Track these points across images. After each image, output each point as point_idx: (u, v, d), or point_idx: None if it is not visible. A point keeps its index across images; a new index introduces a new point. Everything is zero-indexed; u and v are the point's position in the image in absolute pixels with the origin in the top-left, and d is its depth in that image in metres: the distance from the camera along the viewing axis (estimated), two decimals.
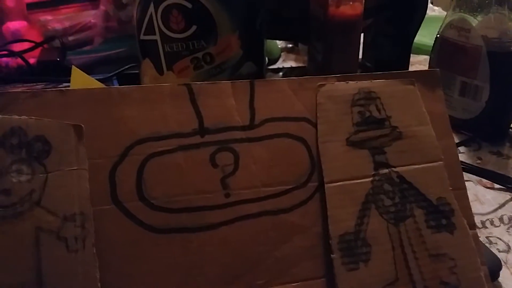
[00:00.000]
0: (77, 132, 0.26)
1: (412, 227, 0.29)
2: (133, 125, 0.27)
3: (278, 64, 0.70)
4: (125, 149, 0.27)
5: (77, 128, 0.26)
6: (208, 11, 0.41)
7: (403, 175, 0.30)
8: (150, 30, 0.42)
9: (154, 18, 0.41)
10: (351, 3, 0.46)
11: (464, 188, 0.31)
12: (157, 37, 0.42)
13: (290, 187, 0.29)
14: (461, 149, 0.46)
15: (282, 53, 0.74)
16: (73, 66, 0.39)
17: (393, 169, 0.30)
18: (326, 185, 0.29)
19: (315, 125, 0.30)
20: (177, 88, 0.29)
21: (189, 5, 0.41)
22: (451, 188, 0.30)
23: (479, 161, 0.44)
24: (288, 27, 0.54)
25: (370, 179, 0.29)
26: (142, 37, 0.43)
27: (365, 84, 0.32)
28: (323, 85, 0.31)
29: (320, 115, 0.30)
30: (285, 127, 0.30)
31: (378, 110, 0.31)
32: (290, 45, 0.77)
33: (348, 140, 0.30)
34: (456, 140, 0.47)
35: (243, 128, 0.29)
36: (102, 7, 0.55)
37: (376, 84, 0.32)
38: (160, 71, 0.43)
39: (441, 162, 0.31)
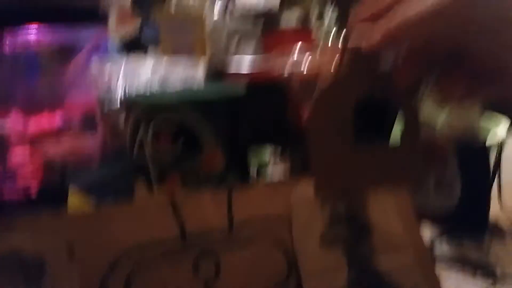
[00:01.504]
0: (69, 251, 0.28)
1: None
2: (119, 239, 0.30)
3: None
4: (112, 262, 0.29)
5: (69, 247, 0.28)
6: (192, 129, 0.45)
7: (377, 268, 0.31)
8: (140, 150, 0.46)
9: (144, 139, 0.45)
10: None
11: (435, 276, 0.32)
12: (147, 156, 0.46)
13: None
14: (443, 240, 0.47)
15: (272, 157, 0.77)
16: (70, 191, 0.41)
17: (367, 263, 0.31)
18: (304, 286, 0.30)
19: (290, 225, 0.32)
20: (160, 201, 0.31)
21: (175, 126, 0.45)
22: (423, 277, 0.31)
23: (460, 252, 0.45)
24: (270, 135, 0.58)
25: (345, 275, 0.31)
26: (134, 157, 0.47)
27: None
28: (297, 187, 0.33)
29: (295, 215, 0.32)
30: (263, 229, 0.32)
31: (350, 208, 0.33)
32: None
33: (322, 239, 0.31)
34: (437, 232, 0.48)
35: (222, 231, 0.31)
36: (100, 133, 0.60)
37: None
38: (150, 188, 0.46)
39: (412, 255, 0.32)
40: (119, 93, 0.55)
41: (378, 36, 0.27)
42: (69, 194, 0.40)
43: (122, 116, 0.55)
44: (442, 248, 0.46)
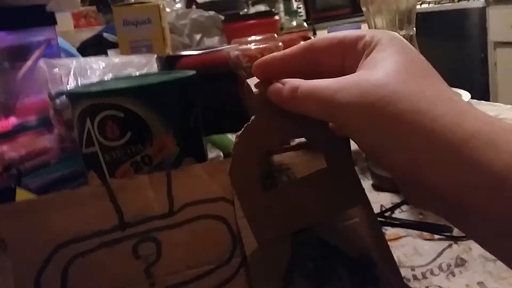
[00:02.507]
0: (0, 245, 0.28)
1: (337, 286, 0.30)
2: (55, 231, 0.29)
3: None
4: (48, 255, 0.28)
5: (0, 241, 0.28)
6: (139, 117, 0.44)
7: (323, 236, 0.31)
8: (89, 143, 0.45)
9: (91, 131, 0.45)
10: None
11: (384, 241, 0.32)
12: (96, 148, 0.45)
13: (214, 266, 0.30)
14: (404, 207, 0.47)
15: None
16: (17, 188, 0.41)
17: (312, 231, 0.31)
18: (248, 259, 0.30)
19: (232, 203, 0.32)
20: (96, 189, 0.31)
21: (121, 114, 0.44)
22: (372, 243, 0.31)
23: (421, 216, 0.45)
24: (224, 121, 0.58)
25: (290, 245, 0.31)
26: (84, 150, 0.46)
27: (276, 158, 0.34)
28: None
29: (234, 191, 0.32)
30: (204, 209, 0.31)
31: (290, 179, 0.33)
32: None
33: None
34: (398, 200, 0.49)
35: (162, 216, 0.31)
36: (56, 131, 0.59)
37: (285, 157, 0.34)
38: (104, 180, 0.45)
39: (357, 219, 0.32)
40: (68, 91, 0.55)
41: (286, 102, 0.29)
42: (16, 193, 0.40)
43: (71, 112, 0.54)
44: (402, 215, 0.46)
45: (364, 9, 0.51)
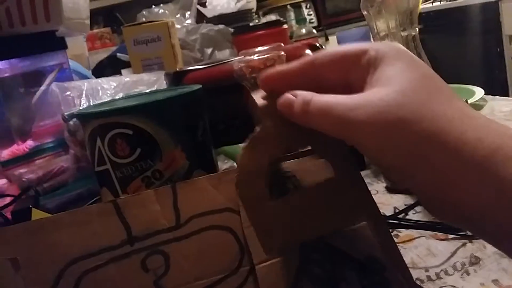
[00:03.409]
0: (14, 265, 0.29)
1: None
2: (65, 248, 0.30)
3: None
4: (59, 272, 0.29)
5: (13, 261, 0.29)
6: (148, 133, 0.45)
7: (330, 241, 0.31)
8: (101, 161, 0.46)
9: (102, 150, 0.46)
10: None
11: (393, 243, 0.32)
12: (108, 166, 0.46)
13: (223, 275, 0.30)
14: (418, 208, 0.47)
15: None
16: (32, 208, 0.42)
17: (319, 237, 0.31)
18: (256, 267, 0.30)
19: (238, 213, 0.32)
20: (104, 206, 0.31)
21: (130, 132, 0.45)
22: (380, 246, 0.31)
23: (432, 218, 0.45)
24: (234, 131, 0.58)
25: (298, 251, 0.31)
26: (96, 169, 0.47)
27: (278, 167, 0.34)
28: None
29: (242, 202, 0.32)
30: (210, 220, 0.32)
31: (295, 187, 0.33)
32: None
33: None
34: (412, 201, 0.48)
35: (170, 229, 0.31)
36: (71, 151, 0.61)
37: (289, 165, 0.34)
38: (116, 196, 0.46)
39: (364, 223, 0.32)
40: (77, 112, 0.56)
41: (297, 117, 0.28)
42: (32, 213, 0.41)
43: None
44: (415, 216, 0.46)
45: (365, 13, 0.52)
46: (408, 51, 0.28)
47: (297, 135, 0.30)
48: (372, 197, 0.32)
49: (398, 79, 0.25)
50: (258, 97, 0.32)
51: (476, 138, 0.23)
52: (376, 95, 0.25)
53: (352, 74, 0.28)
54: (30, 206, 0.56)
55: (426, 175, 0.24)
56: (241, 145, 0.77)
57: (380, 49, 0.27)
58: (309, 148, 0.35)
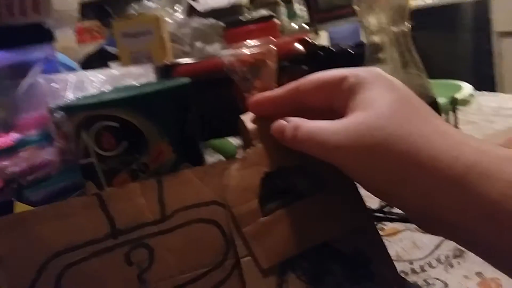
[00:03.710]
0: None
1: (332, 283, 0.29)
2: (48, 242, 0.29)
3: None
4: (41, 266, 0.29)
5: None
6: (134, 126, 0.45)
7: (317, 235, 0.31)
8: (86, 154, 0.45)
9: (88, 142, 0.45)
10: None
11: (378, 237, 0.32)
12: (93, 159, 0.45)
13: (207, 269, 0.30)
14: None
15: (239, 150, 0.77)
16: (15, 201, 0.41)
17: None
18: (241, 260, 0.30)
19: (224, 206, 0.32)
20: (87, 199, 0.31)
21: (116, 125, 0.44)
22: (365, 239, 0.31)
23: None
24: (223, 125, 0.58)
25: None
26: (81, 161, 0.46)
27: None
28: (227, 168, 0.33)
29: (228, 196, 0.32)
30: (196, 213, 0.31)
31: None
32: None
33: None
34: None
35: (154, 222, 0.31)
36: (56, 143, 0.60)
37: None
38: (101, 189, 0.46)
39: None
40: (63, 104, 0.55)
41: (288, 141, 0.30)
42: (14, 207, 0.40)
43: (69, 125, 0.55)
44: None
45: (356, 8, 0.51)
46: (387, 74, 0.29)
47: (287, 155, 0.31)
48: (365, 204, 0.32)
49: (376, 103, 0.26)
50: (248, 120, 0.34)
51: (451, 156, 0.23)
52: (356, 119, 0.26)
53: (334, 99, 0.29)
54: (12, 199, 0.55)
55: (410, 195, 0.24)
56: (229, 138, 0.76)
57: (359, 74, 0.28)
58: None
